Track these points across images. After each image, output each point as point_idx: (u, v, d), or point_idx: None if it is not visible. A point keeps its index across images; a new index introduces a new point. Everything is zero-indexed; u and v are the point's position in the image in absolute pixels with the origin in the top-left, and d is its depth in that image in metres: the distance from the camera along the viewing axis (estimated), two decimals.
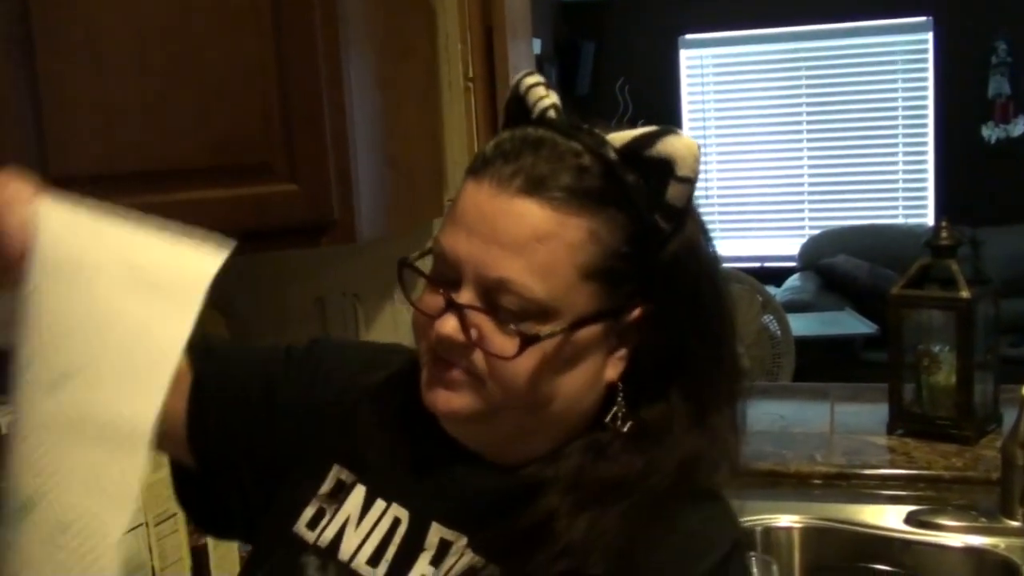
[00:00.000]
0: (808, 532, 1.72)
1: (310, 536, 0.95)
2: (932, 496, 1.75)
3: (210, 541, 1.62)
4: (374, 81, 1.63)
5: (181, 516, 1.56)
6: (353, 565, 0.92)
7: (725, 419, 0.92)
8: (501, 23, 1.91)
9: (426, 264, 0.91)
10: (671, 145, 0.84)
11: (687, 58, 6.63)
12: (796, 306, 5.14)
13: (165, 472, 1.09)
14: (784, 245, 6.47)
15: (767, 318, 3.85)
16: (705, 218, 0.93)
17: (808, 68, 6.46)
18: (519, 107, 0.90)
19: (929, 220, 6.22)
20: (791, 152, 6.56)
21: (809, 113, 6.49)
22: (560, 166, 0.84)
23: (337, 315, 1.96)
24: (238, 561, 1.66)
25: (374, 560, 0.92)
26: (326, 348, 1.10)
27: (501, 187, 0.84)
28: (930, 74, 6.21)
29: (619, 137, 0.86)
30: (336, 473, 0.98)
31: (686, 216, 0.88)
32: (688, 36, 6.57)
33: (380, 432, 0.98)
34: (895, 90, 6.35)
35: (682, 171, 0.85)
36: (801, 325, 4.46)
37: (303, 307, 1.96)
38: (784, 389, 2.84)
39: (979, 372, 1.90)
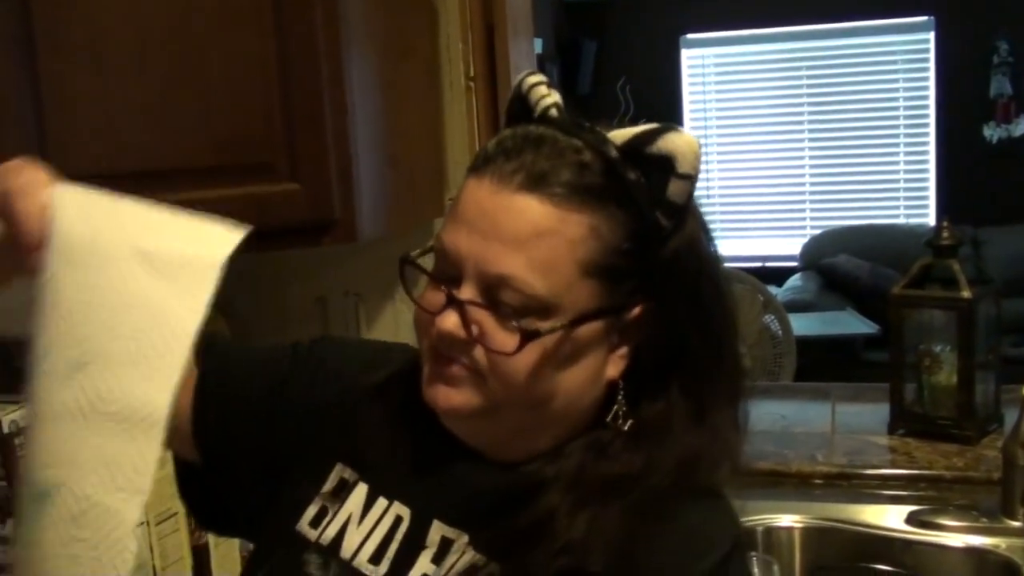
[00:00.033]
0: (809, 532, 1.72)
1: (312, 534, 0.96)
2: (933, 496, 1.75)
3: (211, 540, 1.62)
4: (375, 81, 1.63)
5: (182, 515, 1.56)
6: (355, 563, 0.93)
7: (726, 418, 0.92)
8: (502, 22, 1.91)
9: (428, 262, 0.91)
10: (672, 142, 0.85)
11: (688, 57, 6.63)
12: (797, 306, 5.14)
13: (166, 471, 1.09)
14: (785, 245, 6.47)
15: (768, 318, 3.85)
16: (706, 218, 0.93)
17: (809, 68, 6.45)
18: (521, 106, 0.91)
19: (930, 220, 6.22)
20: (792, 152, 6.56)
21: (810, 113, 6.49)
22: (561, 162, 0.85)
23: (338, 315, 1.96)
24: (239, 560, 1.66)
25: (376, 558, 0.92)
26: (330, 346, 1.10)
27: (502, 183, 0.85)
28: (931, 74, 6.20)
29: (620, 135, 0.87)
30: (339, 472, 0.98)
31: (687, 214, 0.88)
32: (689, 35, 6.57)
33: (382, 430, 0.98)
34: (896, 90, 6.35)
35: (683, 168, 0.85)
36: (802, 325, 4.46)
37: (304, 307, 1.97)
38: (785, 389, 2.84)
39: (980, 372, 1.90)
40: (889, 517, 1.70)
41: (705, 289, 0.91)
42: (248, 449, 1.03)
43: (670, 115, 6.33)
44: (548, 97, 0.90)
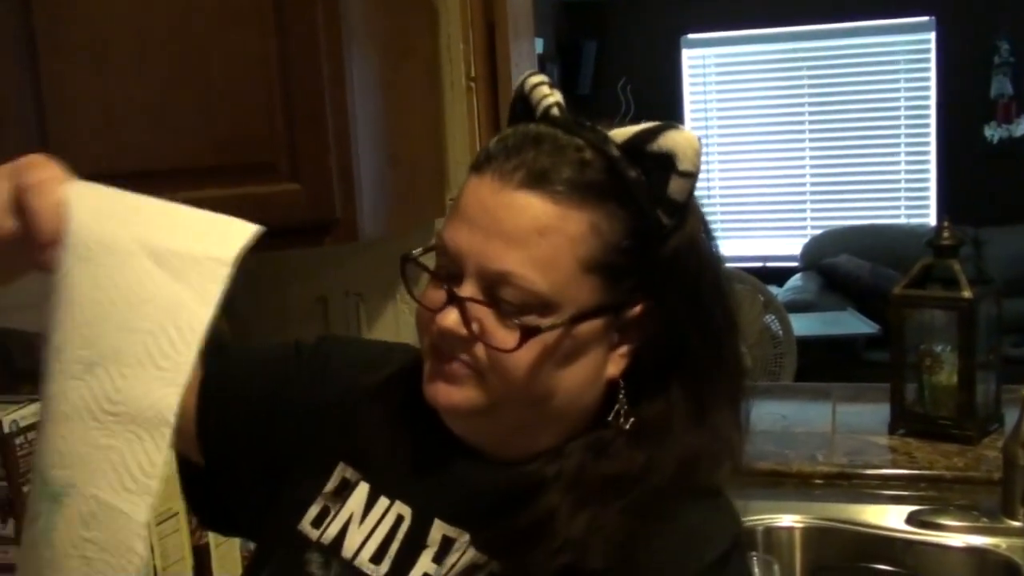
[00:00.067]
0: (810, 532, 1.72)
1: (314, 534, 0.96)
2: (934, 496, 1.75)
3: (212, 540, 1.62)
4: (376, 81, 1.63)
5: (183, 515, 1.56)
6: (356, 563, 0.93)
7: (727, 417, 0.92)
8: (503, 22, 1.91)
9: (430, 262, 0.92)
10: (672, 139, 0.85)
11: (689, 57, 6.63)
12: (798, 306, 5.15)
13: (166, 471, 1.09)
14: (786, 245, 6.47)
15: (769, 318, 3.85)
16: (707, 217, 0.93)
17: (810, 68, 6.45)
18: (523, 106, 0.91)
19: (931, 220, 6.22)
20: (793, 152, 6.56)
21: (811, 113, 6.49)
22: (562, 160, 0.85)
23: (339, 314, 1.96)
24: (239, 560, 1.67)
25: (377, 558, 0.92)
26: (333, 346, 1.11)
27: (503, 181, 0.85)
28: (932, 74, 6.20)
29: (621, 133, 0.87)
30: (341, 471, 0.98)
31: (688, 212, 0.88)
32: (690, 35, 6.57)
33: (383, 430, 0.98)
34: (897, 90, 6.35)
35: (683, 165, 0.85)
36: (803, 325, 4.46)
37: (305, 307, 1.97)
38: (786, 389, 2.84)
39: (981, 372, 1.90)
40: (890, 517, 1.70)
41: (706, 288, 0.91)
42: (250, 449, 1.04)
43: (671, 115, 6.31)
44: (550, 97, 0.90)
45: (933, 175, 6.30)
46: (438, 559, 0.90)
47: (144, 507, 0.74)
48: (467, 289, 0.86)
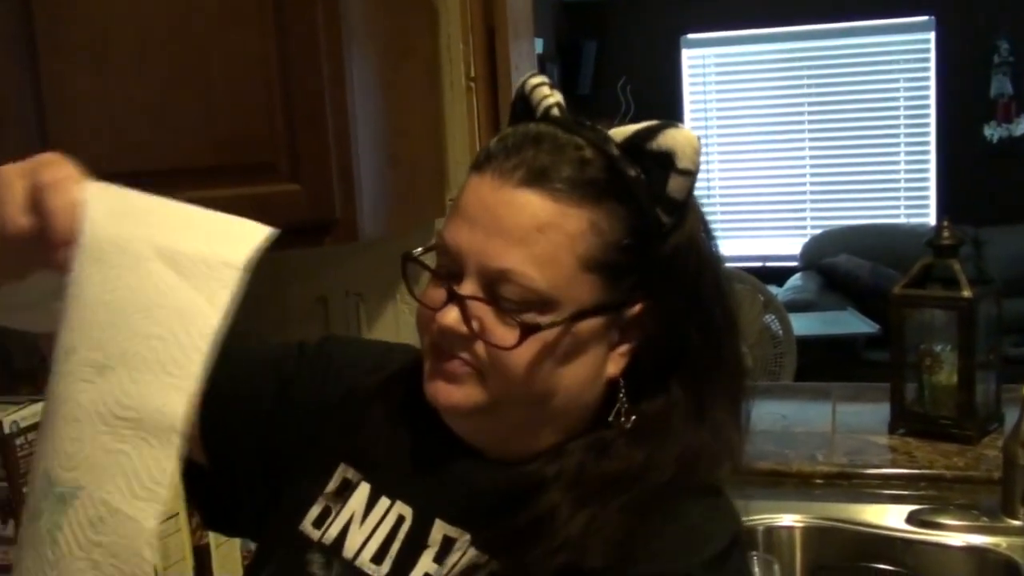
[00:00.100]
0: (810, 531, 1.72)
1: (315, 534, 0.96)
2: (934, 495, 1.75)
3: (212, 540, 1.62)
4: (376, 81, 1.63)
5: (183, 515, 1.56)
6: (357, 563, 0.93)
7: (727, 416, 0.92)
8: (503, 23, 1.91)
9: (431, 261, 0.92)
10: (671, 138, 0.85)
11: (689, 57, 6.63)
12: (798, 306, 5.15)
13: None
14: (786, 245, 6.47)
15: (769, 318, 3.85)
16: (707, 217, 0.93)
17: (810, 68, 6.45)
18: (524, 107, 0.92)
19: (931, 220, 6.22)
20: (793, 151, 6.56)
21: (811, 113, 6.49)
22: (561, 159, 0.85)
23: (339, 315, 1.96)
24: (240, 560, 1.67)
25: (378, 558, 0.92)
26: (335, 346, 1.11)
27: (503, 179, 0.85)
28: (932, 73, 6.20)
29: (620, 132, 0.87)
30: (342, 472, 0.98)
31: (687, 210, 0.89)
32: (690, 35, 6.57)
33: (384, 430, 0.98)
34: (897, 89, 6.35)
35: (682, 163, 0.85)
36: (803, 325, 4.46)
37: (305, 307, 1.97)
38: (786, 389, 2.84)
39: (981, 372, 1.90)
40: (890, 516, 1.70)
41: (706, 287, 0.91)
42: (252, 449, 1.04)
43: (671, 115, 6.32)
44: (550, 97, 0.91)
45: (933, 175, 6.31)
46: (439, 559, 0.90)
47: (153, 514, 0.73)
48: (467, 287, 0.86)
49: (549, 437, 0.91)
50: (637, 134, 0.86)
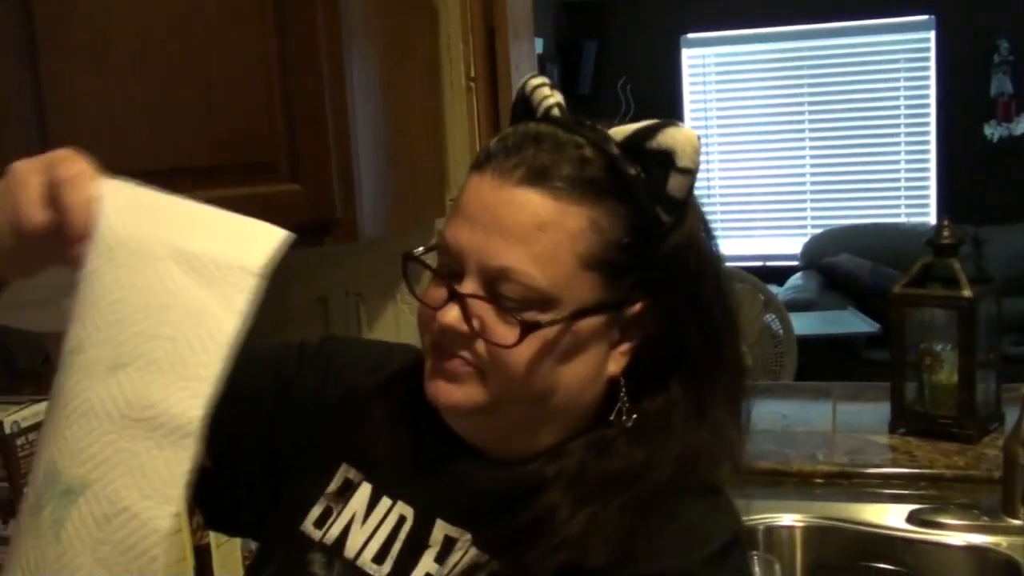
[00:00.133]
0: (810, 531, 1.72)
1: (316, 534, 0.96)
2: (934, 495, 1.75)
3: (213, 540, 1.62)
4: (376, 81, 1.63)
5: (184, 515, 1.56)
6: (359, 563, 0.93)
7: (727, 415, 0.92)
8: (503, 23, 1.91)
9: (432, 261, 0.92)
10: (671, 136, 0.86)
11: (689, 57, 6.63)
12: (798, 305, 5.14)
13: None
14: (786, 244, 6.47)
15: (769, 317, 3.85)
16: (707, 217, 0.94)
17: (810, 67, 6.45)
18: (525, 107, 0.92)
19: (931, 219, 6.22)
20: (793, 151, 6.56)
21: (811, 112, 6.49)
22: (562, 157, 0.86)
23: (339, 315, 1.96)
24: (241, 560, 1.67)
25: (379, 558, 0.92)
26: (336, 346, 1.11)
27: (503, 178, 0.86)
28: (932, 73, 6.20)
29: (620, 131, 0.88)
30: (344, 472, 0.98)
31: (687, 209, 0.89)
32: (690, 35, 6.57)
33: (385, 430, 0.98)
34: (897, 89, 6.35)
35: (682, 162, 0.85)
36: (803, 324, 4.46)
37: (305, 307, 1.97)
38: (786, 388, 2.84)
39: (981, 371, 1.90)
40: (890, 516, 1.70)
41: (706, 286, 0.91)
42: (253, 449, 1.04)
43: (671, 115, 6.26)
44: (551, 98, 0.91)
45: (933, 174, 6.30)
46: (440, 559, 0.90)
47: (166, 516, 0.73)
48: (468, 286, 0.86)
49: (550, 436, 0.91)
50: (637, 133, 0.86)
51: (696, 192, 0.90)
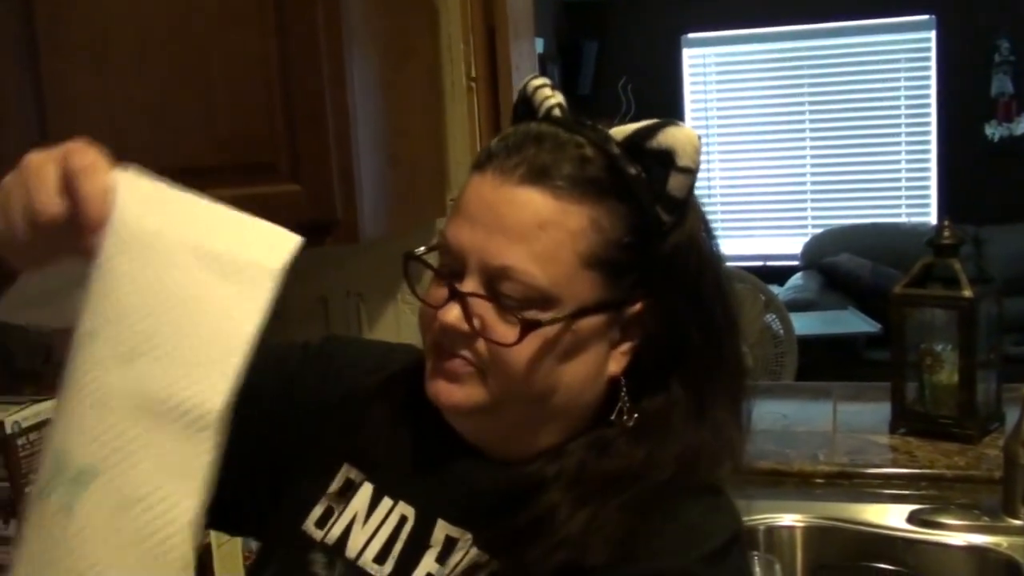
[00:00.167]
0: (811, 531, 1.72)
1: (318, 534, 0.96)
2: (935, 495, 1.75)
3: (214, 540, 1.62)
4: (377, 81, 1.63)
5: None
6: (360, 563, 0.93)
7: (728, 415, 0.92)
8: (503, 23, 1.91)
9: (433, 261, 0.92)
10: (671, 136, 0.86)
11: (689, 57, 6.63)
12: (799, 305, 5.14)
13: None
14: (787, 244, 6.47)
15: (770, 317, 3.85)
16: (708, 216, 0.94)
17: (811, 67, 6.45)
18: (526, 108, 0.93)
19: (932, 219, 6.21)
20: (794, 151, 6.56)
21: (812, 112, 6.49)
22: (562, 156, 0.86)
23: (340, 315, 1.96)
24: (241, 560, 1.67)
25: (381, 558, 0.92)
26: (337, 346, 1.11)
27: (504, 177, 0.86)
28: (933, 72, 6.20)
29: (621, 131, 0.88)
30: (345, 472, 0.98)
31: (687, 209, 0.89)
32: (691, 35, 6.57)
33: (386, 430, 0.98)
34: (898, 89, 6.34)
35: (683, 161, 0.86)
36: (804, 324, 4.46)
37: (305, 307, 1.97)
38: (787, 388, 2.83)
39: (982, 371, 1.90)
40: (891, 516, 1.70)
41: (706, 286, 0.91)
42: (256, 449, 1.03)
43: (671, 114, 6.21)
44: (552, 98, 0.91)
45: (934, 174, 6.30)
46: (441, 559, 0.90)
47: (189, 507, 0.72)
48: (469, 284, 0.86)
49: (550, 436, 0.91)
50: (637, 132, 0.87)
51: (696, 192, 0.90)
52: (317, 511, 0.97)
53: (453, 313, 0.86)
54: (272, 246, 0.78)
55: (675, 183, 0.86)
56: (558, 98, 0.91)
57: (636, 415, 0.90)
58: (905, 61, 6.30)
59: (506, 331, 0.85)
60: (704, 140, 0.90)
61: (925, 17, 6.15)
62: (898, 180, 6.44)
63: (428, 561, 0.90)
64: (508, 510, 0.87)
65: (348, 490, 0.97)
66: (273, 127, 1.47)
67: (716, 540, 0.86)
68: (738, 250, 6.31)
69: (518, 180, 0.85)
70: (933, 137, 6.25)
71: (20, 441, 1.43)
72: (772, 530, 1.72)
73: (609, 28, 6.58)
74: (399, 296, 1.94)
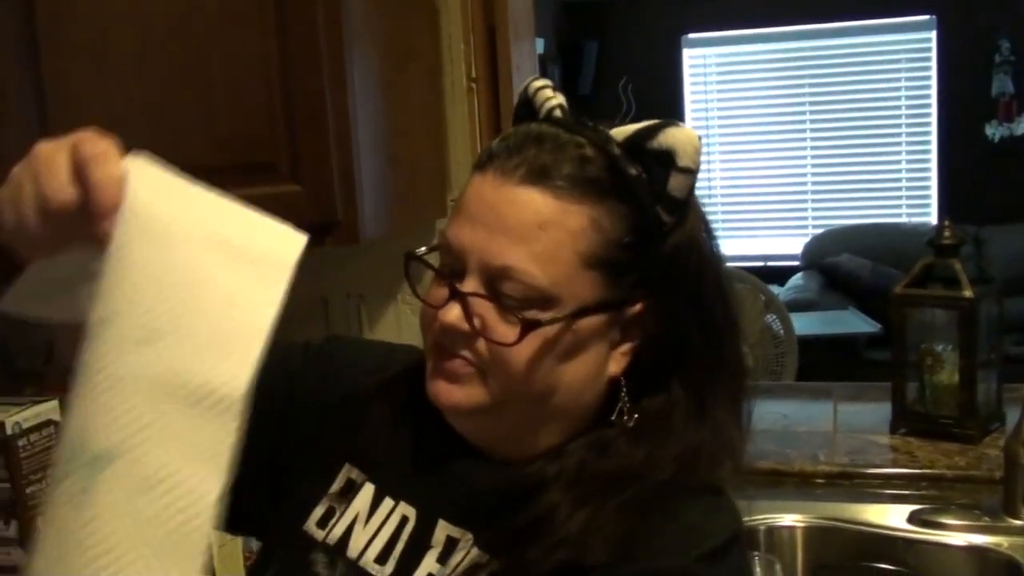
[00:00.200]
0: (811, 531, 1.72)
1: (319, 534, 0.96)
2: (935, 495, 1.75)
3: (215, 539, 1.62)
4: (377, 81, 1.63)
5: None
6: (361, 563, 0.93)
7: (728, 415, 0.93)
8: (504, 23, 1.91)
9: (434, 261, 0.92)
10: (672, 136, 0.86)
11: (690, 57, 6.63)
12: (799, 305, 5.14)
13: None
14: (787, 244, 6.47)
15: (770, 317, 3.85)
16: (708, 217, 0.94)
17: (811, 67, 6.45)
18: (527, 109, 0.93)
19: (933, 219, 6.21)
20: (794, 151, 6.56)
21: (812, 112, 6.49)
22: (563, 157, 0.86)
23: (340, 316, 1.96)
24: (242, 560, 1.67)
25: (382, 558, 0.92)
26: (338, 346, 1.11)
27: (505, 177, 0.86)
28: (933, 73, 6.20)
29: (621, 131, 0.88)
30: (346, 472, 0.99)
31: (688, 209, 0.89)
32: (691, 35, 6.57)
33: (388, 430, 0.99)
34: (898, 89, 6.34)
35: (683, 162, 0.86)
36: (804, 324, 4.46)
37: (306, 308, 1.96)
38: (787, 388, 2.83)
39: (982, 371, 1.90)
40: (891, 516, 1.70)
41: (706, 286, 0.91)
42: (258, 448, 1.03)
43: (672, 115, 6.24)
44: (553, 99, 0.92)
45: (934, 174, 6.30)
46: (442, 559, 0.90)
47: (214, 488, 0.71)
48: (469, 284, 0.87)
49: (551, 437, 0.91)
50: (638, 133, 0.87)
51: (697, 192, 0.90)
52: (318, 511, 0.97)
53: (453, 313, 0.86)
54: (282, 240, 0.77)
55: (675, 183, 0.86)
56: (559, 99, 0.92)
57: (636, 415, 0.91)
58: (906, 61, 6.30)
59: (506, 331, 0.85)
60: (704, 140, 0.90)
61: (925, 17, 6.14)
62: (898, 180, 6.44)
63: (429, 561, 0.90)
64: (508, 510, 0.87)
65: (349, 490, 0.97)
66: (273, 127, 1.47)
67: (716, 540, 0.86)
68: (738, 250, 6.31)
69: (519, 180, 0.85)
70: (934, 137, 6.25)
71: (21, 442, 1.43)
72: (772, 530, 1.72)
73: (609, 28, 6.58)
74: (400, 297, 1.94)
